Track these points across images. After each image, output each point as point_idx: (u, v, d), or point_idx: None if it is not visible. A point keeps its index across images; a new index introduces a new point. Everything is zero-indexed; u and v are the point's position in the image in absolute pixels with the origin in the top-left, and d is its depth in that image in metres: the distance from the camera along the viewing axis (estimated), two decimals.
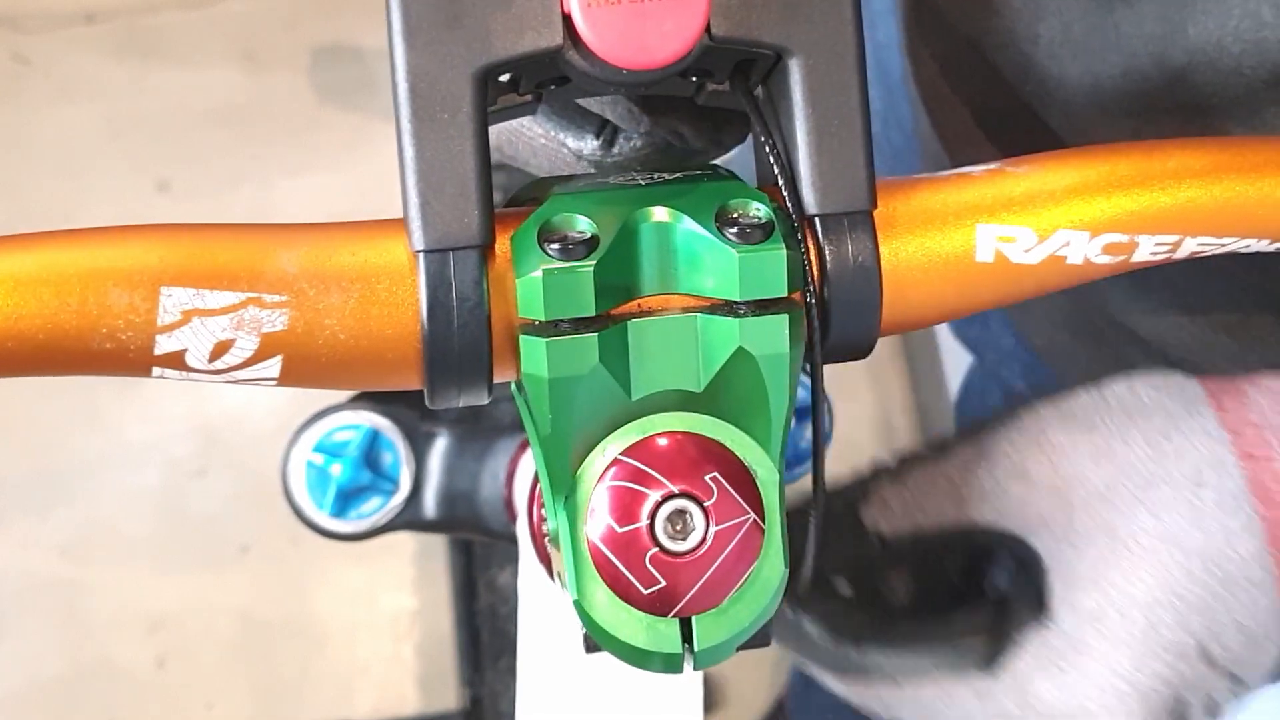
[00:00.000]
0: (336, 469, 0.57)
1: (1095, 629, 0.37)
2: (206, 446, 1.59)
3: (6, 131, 1.73)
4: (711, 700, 1.57)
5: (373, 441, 0.58)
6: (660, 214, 0.32)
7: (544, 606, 0.47)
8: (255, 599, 1.59)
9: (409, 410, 0.58)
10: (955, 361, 1.11)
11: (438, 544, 1.56)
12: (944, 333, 1.17)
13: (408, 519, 0.59)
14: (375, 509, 0.58)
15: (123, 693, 1.54)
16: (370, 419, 0.58)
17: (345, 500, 0.57)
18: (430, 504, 0.58)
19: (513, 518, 0.56)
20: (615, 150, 0.38)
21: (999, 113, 0.53)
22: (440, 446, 0.59)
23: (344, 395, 0.59)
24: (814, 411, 0.35)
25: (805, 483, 0.36)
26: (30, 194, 1.71)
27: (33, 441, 1.59)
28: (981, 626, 0.39)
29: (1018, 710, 0.38)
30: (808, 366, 0.34)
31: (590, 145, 0.38)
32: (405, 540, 1.49)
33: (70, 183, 1.71)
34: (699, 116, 0.37)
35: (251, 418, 1.57)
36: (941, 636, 0.39)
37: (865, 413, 1.60)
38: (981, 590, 0.42)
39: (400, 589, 1.61)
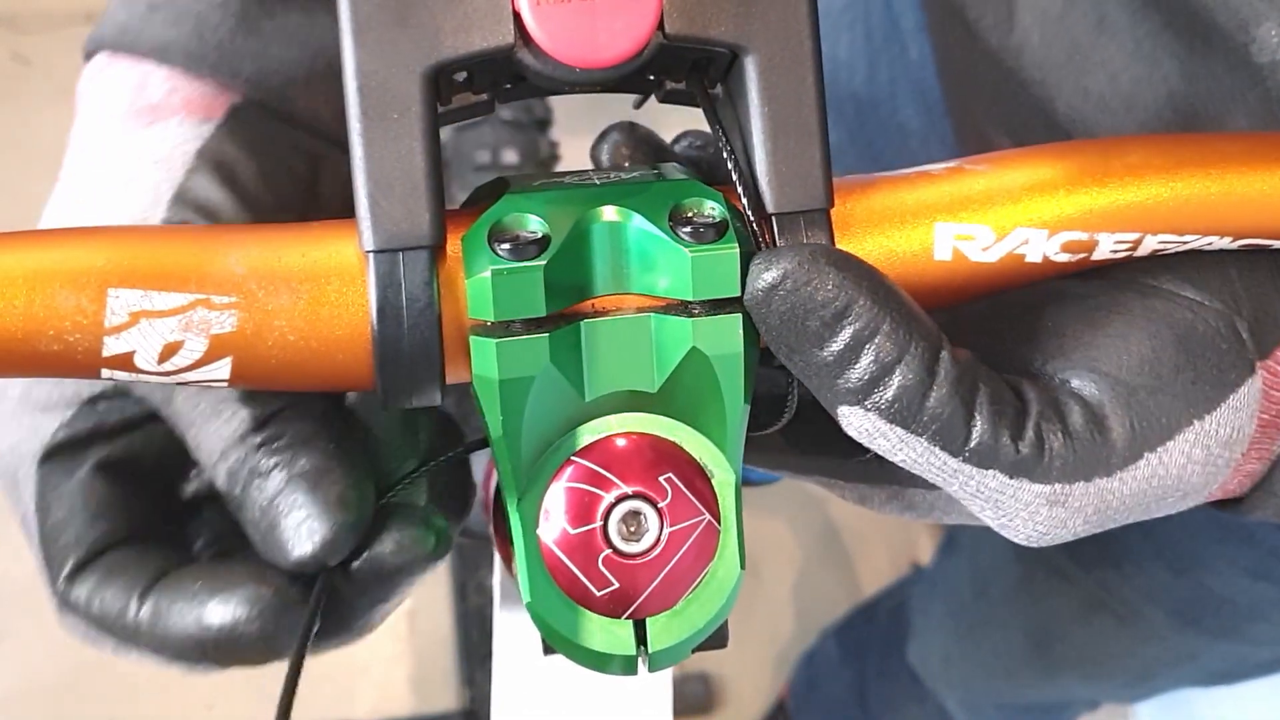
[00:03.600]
0: None
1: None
2: None
3: (6, 131, 1.73)
4: (712, 700, 1.57)
5: None
6: (612, 214, 0.32)
7: (518, 606, 0.46)
8: None
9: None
10: None
11: None
12: None
13: None
14: None
15: (123, 693, 1.54)
16: None
17: None
18: None
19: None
20: None
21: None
22: None
23: None
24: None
25: None
26: (30, 194, 1.71)
27: None
28: None
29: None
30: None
31: None
32: None
33: None
34: None
35: None
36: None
37: None
38: None
39: None
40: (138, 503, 0.37)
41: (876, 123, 0.78)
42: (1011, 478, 0.32)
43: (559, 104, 1.21)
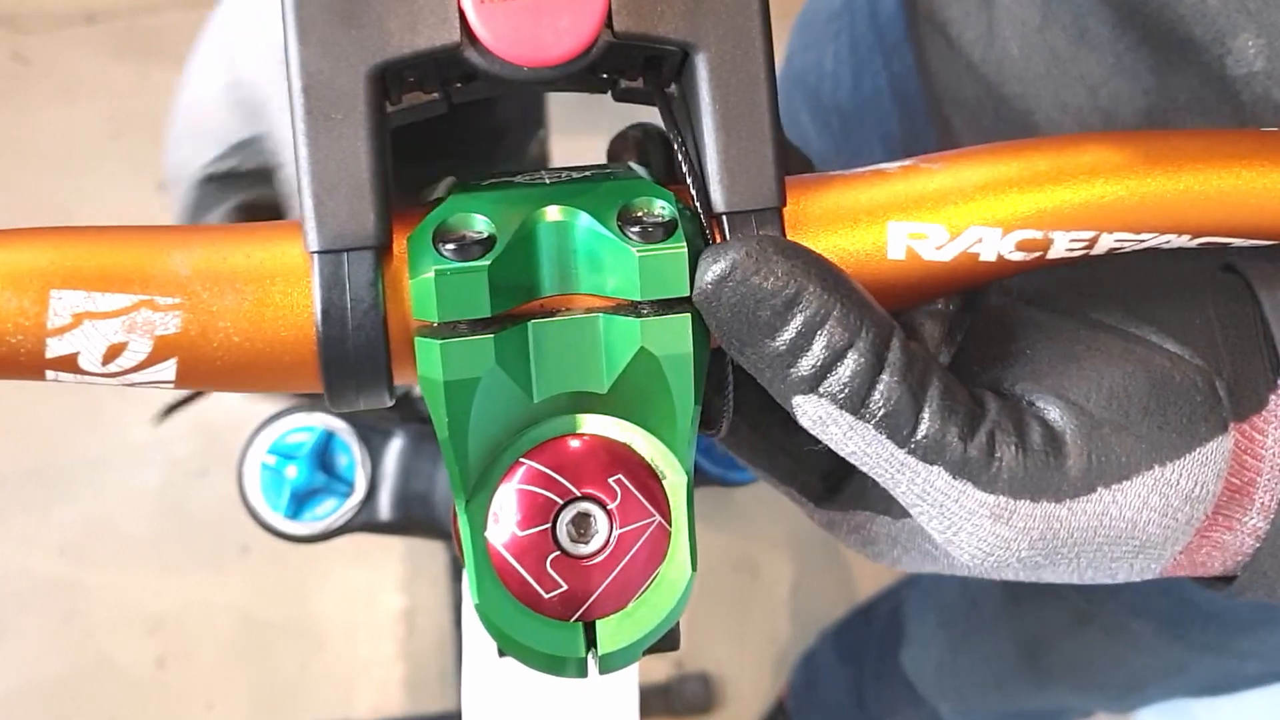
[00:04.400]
0: (291, 471, 0.57)
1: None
2: (207, 446, 1.60)
3: (6, 131, 1.74)
4: (712, 700, 1.57)
5: (327, 443, 0.57)
6: (558, 213, 0.31)
7: None
8: (255, 599, 1.59)
9: (364, 411, 0.58)
10: None
11: (436, 544, 1.56)
12: None
13: (363, 521, 0.58)
14: (330, 511, 0.58)
15: (123, 693, 1.55)
16: (324, 420, 0.58)
17: (300, 502, 0.57)
18: (386, 506, 0.58)
19: None
20: None
21: None
22: (395, 448, 0.58)
23: (303, 397, 0.59)
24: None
25: None
26: (30, 194, 1.72)
27: (33, 441, 1.59)
28: None
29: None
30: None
31: None
32: (404, 541, 1.49)
33: (70, 182, 1.71)
34: None
35: (252, 418, 1.57)
36: None
37: None
38: None
39: (400, 589, 1.61)
40: None
41: (862, 134, 0.77)
42: (955, 478, 0.32)
43: (551, 102, 1.21)
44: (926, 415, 0.31)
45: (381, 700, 1.57)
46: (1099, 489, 0.32)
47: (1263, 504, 0.33)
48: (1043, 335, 0.35)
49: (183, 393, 0.33)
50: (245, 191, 0.46)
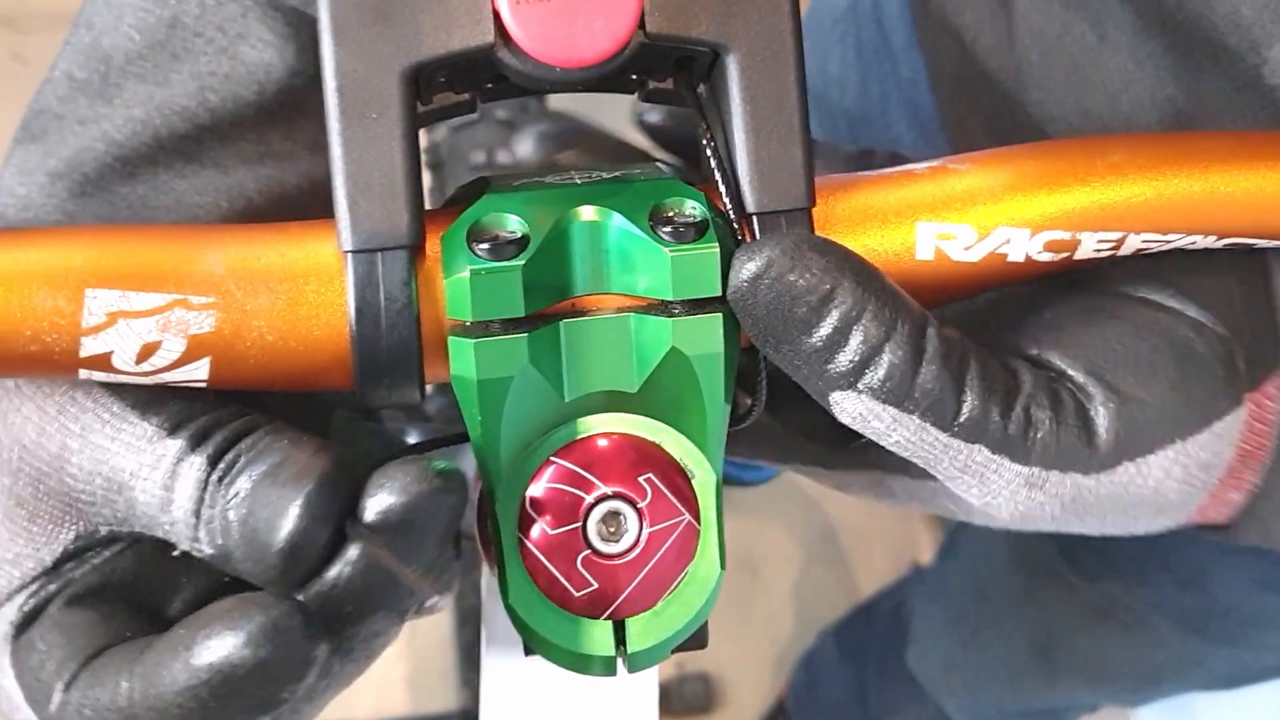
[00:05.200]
0: None
1: None
2: None
3: (6, 132, 1.73)
4: (712, 700, 1.57)
5: None
6: (591, 213, 0.32)
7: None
8: None
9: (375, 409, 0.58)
10: None
11: None
12: None
13: None
14: None
15: None
16: None
17: None
18: None
19: None
20: None
21: None
22: None
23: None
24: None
25: None
26: None
27: None
28: None
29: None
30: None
31: None
32: None
33: None
34: None
35: None
36: None
37: None
38: None
39: None
40: (122, 613, 0.32)
41: (869, 138, 0.78)
42: (995, 453, 0.32)
43: (555, 103, 1.21)
44: (969, 398, 0.32)
45: (382, 700, 1.57)
46: (1124, 463, 0.33)
47: (1265, 465, 0.35)
48: (1068, 303, 0.36)
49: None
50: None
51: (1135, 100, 0.47)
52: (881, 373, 0.31)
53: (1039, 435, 0.32)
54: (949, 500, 0.36)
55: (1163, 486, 0.34)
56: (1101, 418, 0.33)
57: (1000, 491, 0.33)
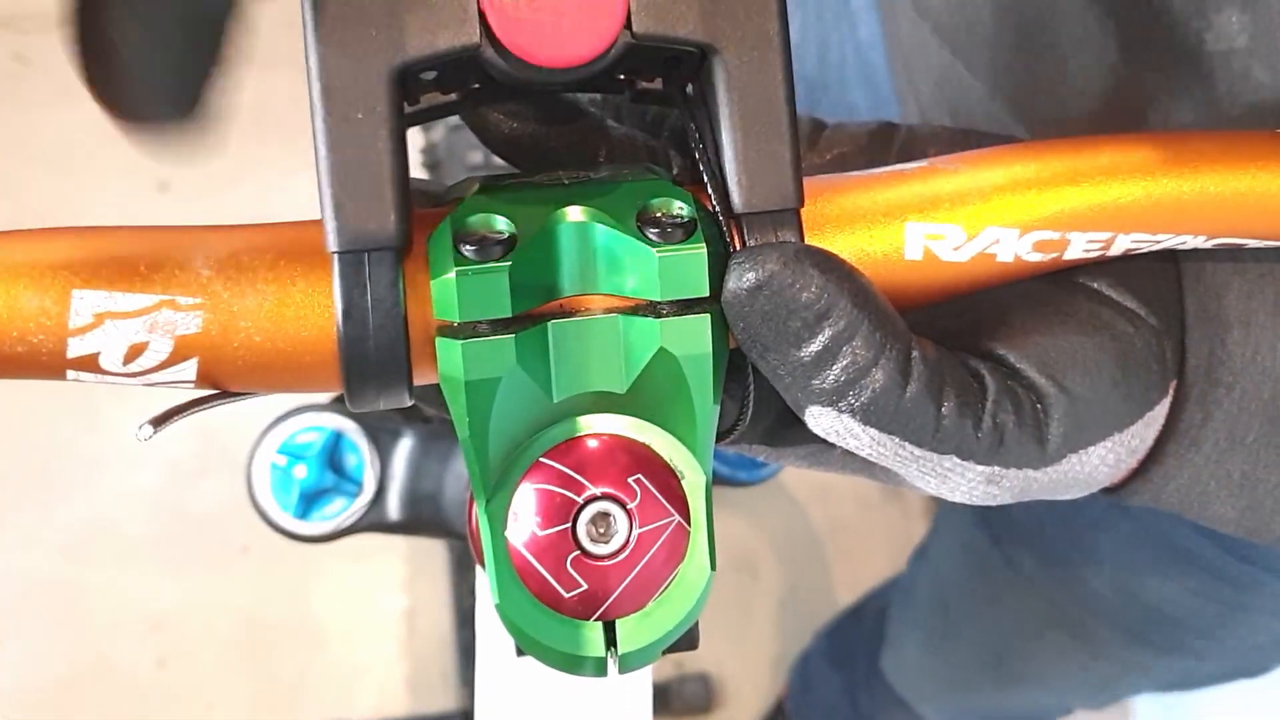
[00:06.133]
0: (300, 471, 0.57)
1: None
2: (206, 447, 1.60)
3: (6, 131, 1.74)
4: (712, 700, 1.57)
5: (336, 443, 0.58)
6: (578, 214, 0.32)
7: None
8: (255, 599, 1.59)
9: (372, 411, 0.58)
10: None
11: (437, 544, 1.56)
12: None
13: (372, 521, 0.58)
14: (339, 511, 0.58)
15: (123, 693, 1.55)
16: (334, 420, 0.58)
17: (309, 502, 0.57)
18: (395, 506, 0.58)
19: None
20: None
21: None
22: (404, 448, 0.58)
23: (312, 397, 0.59)
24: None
25: None
26: (30, 194, 1.72)
27: (33, 441, 1.59)
28: None
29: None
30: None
31: None
32: (404, 540, 1.49)
33: (70, 182, 1.71)
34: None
35: (251, 418, 1.57)
36: None
37: None
38: None
39: (400, 589, 1.61)
40: None
41: (828, 104, 0.77)
42: (963, 460, 0.33)
43: None
44: (947, 415, 0.32)
45: (382, 700, 1.57)
46: (1069, 456, 0.35)
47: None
48: (1018, 296, 0.36)
49: (194, 393, 0.32)
50: None
51: (1083, 67, 0.47)
52: (866, 396, 0.32)
53: (1004, 440, 0.33)
54: (883, 474, 0.37)
55: (1097, 471, 0.36)
56: (1053, 418, 0.34)
57: (959, 487, 0.34)
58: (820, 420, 0.32)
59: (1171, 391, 0.36)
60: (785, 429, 0.37)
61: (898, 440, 0.32)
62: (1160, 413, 0.36)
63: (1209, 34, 0.41)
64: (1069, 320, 0.35)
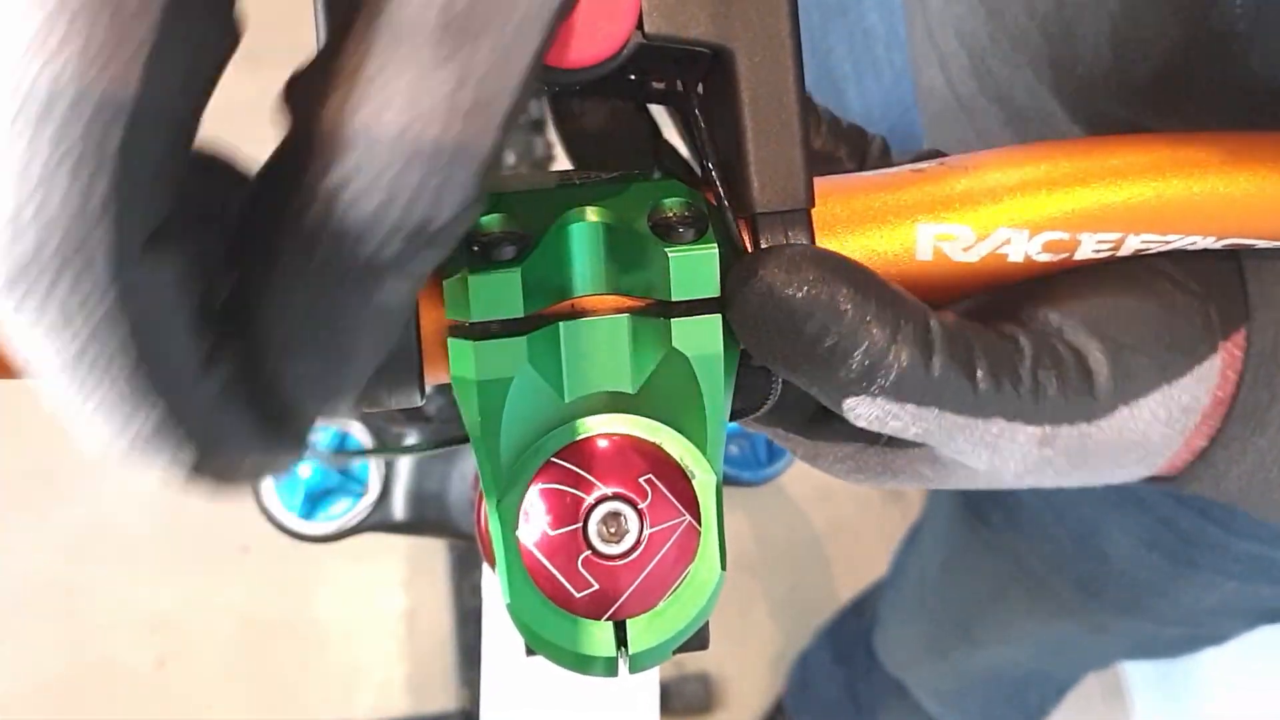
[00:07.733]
0: (305, 470, 0.57)
1: None
2: None
3: None
4: (712, 700, 1.57)
5: (341, 443, 0.58)
6: (591, 214, 0.32)
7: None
8: (255, 599, 1.59)
9: (377, 413, 0.58)
10: None
11: (437, 544, 1.56)
12: None
13: (377, 520, 0.58)
14: (344, 510, 0.58)
15: (123, 693, 1.55)
16: (338, 420, 0.58)
17: (314, 502, 0.57)
18: (399, 505, 0.58)
19: None
20: None
21: None
22: None
23: None
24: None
25: None
26: None
27: (33, 441, 1.59)
28: None
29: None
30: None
31: None
32: (404, 540, 1.49)
33: None
34: None
35: None
36: None
37: None
38: None
39: (400, 589, 1.61)
40: None
41: (844, 28, 0.77)
42: (1009, 421, 0.33)
43: None
44: (980, 377, 0.32)
45: (382, 700, 1.57)
46: (1121, 407, 0.34)
47: (1228, 413, 0.37)
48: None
49: None
50: None
51: (1079, 4, 0.46)
52: (894, 374, 0.31)
53: (1049, 394, 0.33)
54: (925, 466, 0.37)
55: (1150, 430, 0.35)
56: (1100, 365, 0.34)
57: (1012, 455, 0.34)
58: (858, 410, 0.32)
59: (1221, 353, 0.36)
60: (822, 424, 0.37)
61: (937, 411, 0.32)
62: (1211, 371, 0.35)
63: (1214, 11, 0.41)
64: (1105, 278, 0.35)
